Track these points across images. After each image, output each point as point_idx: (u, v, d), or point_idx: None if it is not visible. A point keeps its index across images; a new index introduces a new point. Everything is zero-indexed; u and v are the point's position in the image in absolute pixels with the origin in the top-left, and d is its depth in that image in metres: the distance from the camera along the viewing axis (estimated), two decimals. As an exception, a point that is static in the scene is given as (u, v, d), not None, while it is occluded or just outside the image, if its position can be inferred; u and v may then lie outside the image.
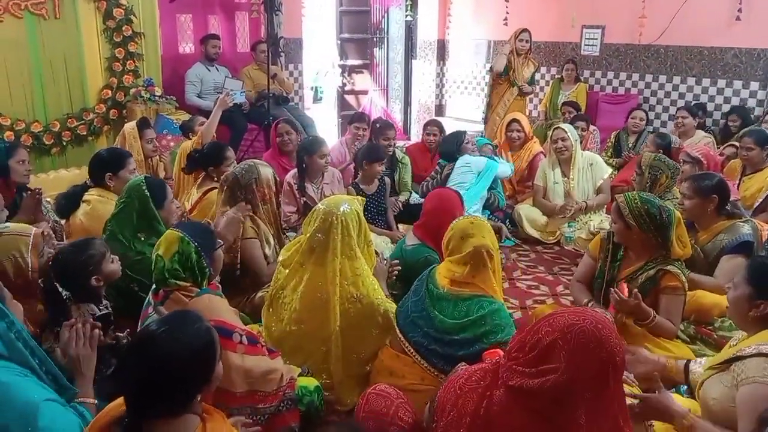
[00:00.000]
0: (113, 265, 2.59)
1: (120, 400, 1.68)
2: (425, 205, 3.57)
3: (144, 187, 3.05)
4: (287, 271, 2.84)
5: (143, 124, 4.69)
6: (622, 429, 1.62)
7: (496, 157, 5.11)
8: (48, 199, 3.84)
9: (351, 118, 5.69)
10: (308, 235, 2.78)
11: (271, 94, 6.40)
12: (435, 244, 3.18)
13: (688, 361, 2.47)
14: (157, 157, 4.82)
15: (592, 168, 4.96)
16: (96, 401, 2.00)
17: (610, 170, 5.07)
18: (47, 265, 2.50)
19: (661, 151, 4.65)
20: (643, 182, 3.95)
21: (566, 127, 5.03)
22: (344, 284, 2.71)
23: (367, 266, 2.82)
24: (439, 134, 5.61)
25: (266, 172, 3.45)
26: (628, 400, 2.18)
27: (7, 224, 2.67)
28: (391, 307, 2.79)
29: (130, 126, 4.65)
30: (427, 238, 3.34)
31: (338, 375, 2.73)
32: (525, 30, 6.63)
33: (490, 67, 6.99)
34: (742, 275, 2.18)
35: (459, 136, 5.15)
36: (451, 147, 5.08)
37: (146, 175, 3.66)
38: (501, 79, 6.67)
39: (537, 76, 7.03)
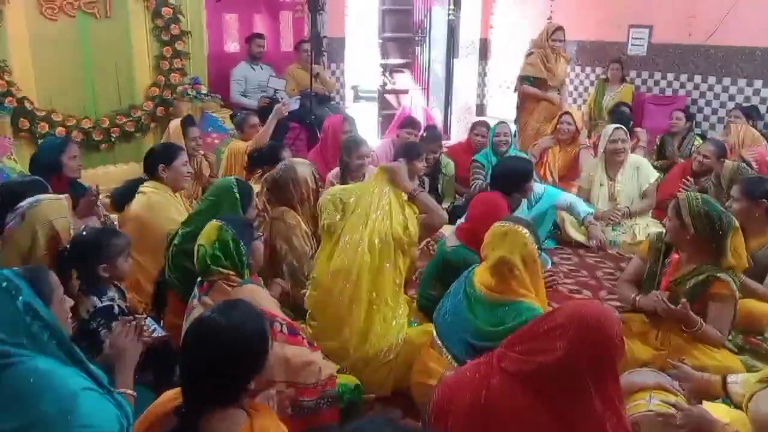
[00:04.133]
0: (126, 264, 2.62)
1: (166, 395, 1.73)
2: (470, 210, 3.43)
3: (235, 190, 3.01)
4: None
5: (188, 122, 4.74)
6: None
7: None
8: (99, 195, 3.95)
9: (402, 122, 5.72)
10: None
11: (313, 93, 6.45)
12: (477, 248, 3.11)
13: (725, 377, 2.40)
14: (202, 155, 4.86)
15: (638, 171, 4.85)
16: (135, 393, 2.05)
17: (657, 175, 4.93)
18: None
19: (723, 160, 4.45)
20: (719, 192, 3.86)
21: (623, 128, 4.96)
22: (385, 221, 2.90)
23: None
24: (487, 135, 5.57)
25: (304, 171, 3.47)
26: (668, 410, 2.16)
27: (38, 196, 2.74)
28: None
29: (174, 123, 4.71)
30: (471, 244, 3.24)
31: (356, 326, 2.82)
32: (559, 29, 6.41)
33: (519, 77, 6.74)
34: None
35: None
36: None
37: (236, 177, 3.55)
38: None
39: (572, 74, 6.80)
